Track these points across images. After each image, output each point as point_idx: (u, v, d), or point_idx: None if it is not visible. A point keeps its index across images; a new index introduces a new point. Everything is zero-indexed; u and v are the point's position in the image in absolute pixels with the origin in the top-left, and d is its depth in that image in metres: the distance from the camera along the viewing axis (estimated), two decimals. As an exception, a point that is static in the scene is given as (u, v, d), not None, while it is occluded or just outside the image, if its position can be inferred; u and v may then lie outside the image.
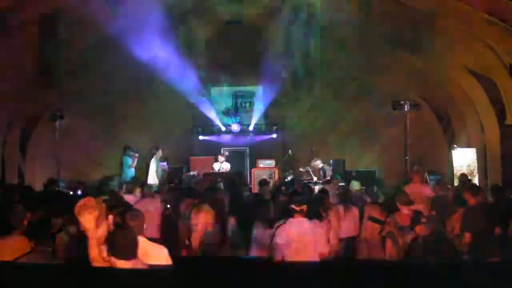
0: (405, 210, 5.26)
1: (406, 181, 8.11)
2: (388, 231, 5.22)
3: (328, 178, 10.90)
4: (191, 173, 12.54)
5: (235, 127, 14.57)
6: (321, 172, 11.36)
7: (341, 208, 6.63)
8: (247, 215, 6.28)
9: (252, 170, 13.24)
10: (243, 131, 14.75)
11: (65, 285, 3.06)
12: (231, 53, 13.39)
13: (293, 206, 4.79)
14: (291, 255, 4.64)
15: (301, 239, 4.68)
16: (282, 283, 3.06)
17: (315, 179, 11.13)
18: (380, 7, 9.92)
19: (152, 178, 11.08)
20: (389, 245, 5.19)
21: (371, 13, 10.26)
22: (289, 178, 11.84)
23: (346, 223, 6.51)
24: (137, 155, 11.63)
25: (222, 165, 12.30)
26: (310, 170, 11.71)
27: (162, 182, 10.48)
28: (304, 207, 4.89)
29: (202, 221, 6.40)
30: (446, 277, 3.10)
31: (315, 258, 4.67)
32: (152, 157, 11.56)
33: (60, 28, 9.38)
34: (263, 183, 8.19)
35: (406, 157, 10.42)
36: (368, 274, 3.04)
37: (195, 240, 6.42)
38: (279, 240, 4.72)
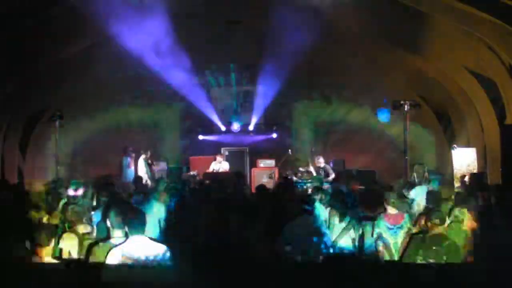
0: (392, 211, 5.23)
1: (412, 185, 8.08)
2: (377, 233, 5.19)
3: (330, 178, 10.81)
4: (191, 173, 12.54)
5: (235, 127, 14.55)
6: (322, 172, 11.33)
7: None
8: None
9: (252, 170, 13.24)
10: (243, 131, 14.73)
11: (65, 285, 3.06)
12: (231, 53, 13.38)
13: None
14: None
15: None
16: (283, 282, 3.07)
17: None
18: (380, 7, 9.90)
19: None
20: (380, 247, 5.14)
21: (371, 13, 10.25)
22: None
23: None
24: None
25: (221, 165, 12.30)
26: (311, 169, 11.69)
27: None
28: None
29: (202, 221, 6.40)
30: (446, 278, 3.10)
31: None
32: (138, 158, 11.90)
33: (60, 28, 9.39)
34: None
35: (406, 157, 10.40)
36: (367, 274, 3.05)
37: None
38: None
